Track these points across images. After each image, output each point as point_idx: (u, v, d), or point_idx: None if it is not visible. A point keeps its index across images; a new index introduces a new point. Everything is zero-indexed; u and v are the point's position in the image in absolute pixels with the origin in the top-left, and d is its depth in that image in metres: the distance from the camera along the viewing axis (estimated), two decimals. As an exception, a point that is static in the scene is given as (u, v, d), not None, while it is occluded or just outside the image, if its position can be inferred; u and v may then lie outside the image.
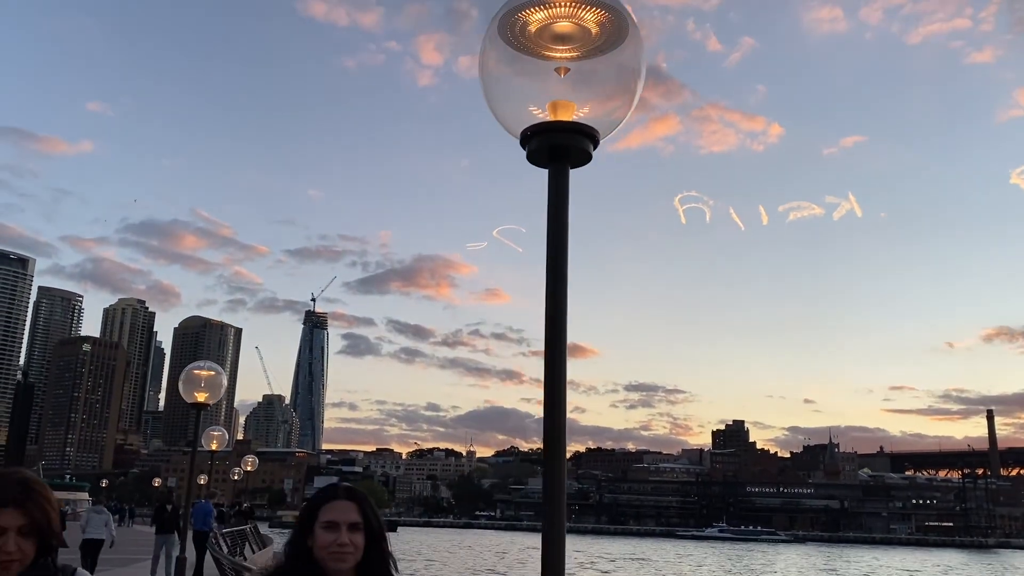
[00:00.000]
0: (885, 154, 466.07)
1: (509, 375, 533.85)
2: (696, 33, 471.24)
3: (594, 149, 3.35)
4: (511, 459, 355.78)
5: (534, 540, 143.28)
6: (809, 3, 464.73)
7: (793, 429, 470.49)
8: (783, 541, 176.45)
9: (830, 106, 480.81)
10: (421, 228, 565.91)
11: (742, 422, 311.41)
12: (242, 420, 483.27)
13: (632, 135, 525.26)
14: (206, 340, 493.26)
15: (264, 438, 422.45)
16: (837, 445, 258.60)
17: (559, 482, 2.97)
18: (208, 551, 21.41)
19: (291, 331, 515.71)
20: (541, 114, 3.28)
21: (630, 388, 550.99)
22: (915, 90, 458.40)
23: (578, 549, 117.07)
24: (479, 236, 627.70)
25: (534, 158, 3.35)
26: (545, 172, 2.87)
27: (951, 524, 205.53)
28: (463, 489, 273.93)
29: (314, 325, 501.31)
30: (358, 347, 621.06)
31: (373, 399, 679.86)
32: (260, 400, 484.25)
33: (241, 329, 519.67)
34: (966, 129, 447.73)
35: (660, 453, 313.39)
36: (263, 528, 49.52)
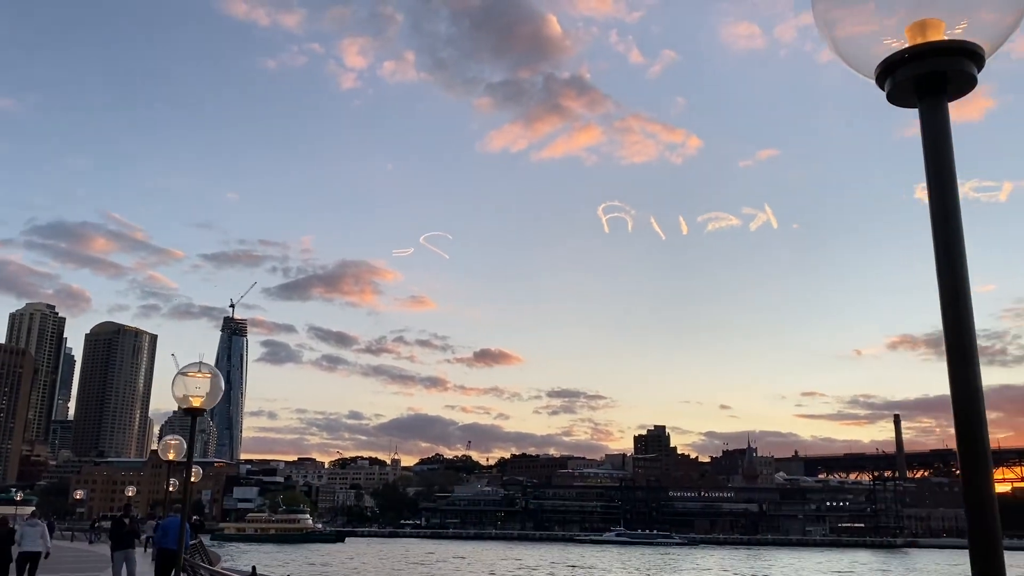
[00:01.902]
0: (798, 167, 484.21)
1: (434, 382, 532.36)
2: (619, 45, 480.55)
3: (978, 72, 2.70)
4: (436, 467, 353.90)
5: (466, 548, 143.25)
6: (727, 19, 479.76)
7: (710, 434, 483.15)
8: (678, 544, 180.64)
9: (746, 120, 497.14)
10: (345, 233, 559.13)
11: (663, 427, 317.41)
12: (156, 430, 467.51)
13: (556, 144, 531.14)
14: (119, 347, 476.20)
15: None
16: (755, 450, 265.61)
17: (985, 481, 2.50)
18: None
19: (208, 338, 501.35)
20: (898, 44, 2.72)
21: (553, 394, 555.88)
22: (826, 106, 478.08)
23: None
24: (405, 242, 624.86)
25: (898, 95, 2.79)
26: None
27: (862, 525, 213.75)
28: (387, 498, 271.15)
29: (232, 332, 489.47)
30: (278, 354, 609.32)
31: (293, 408, 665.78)
32: (176, 409, 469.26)
33: (156, 336, 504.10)
34: (873, 145, 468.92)
35: (584, 458, 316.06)
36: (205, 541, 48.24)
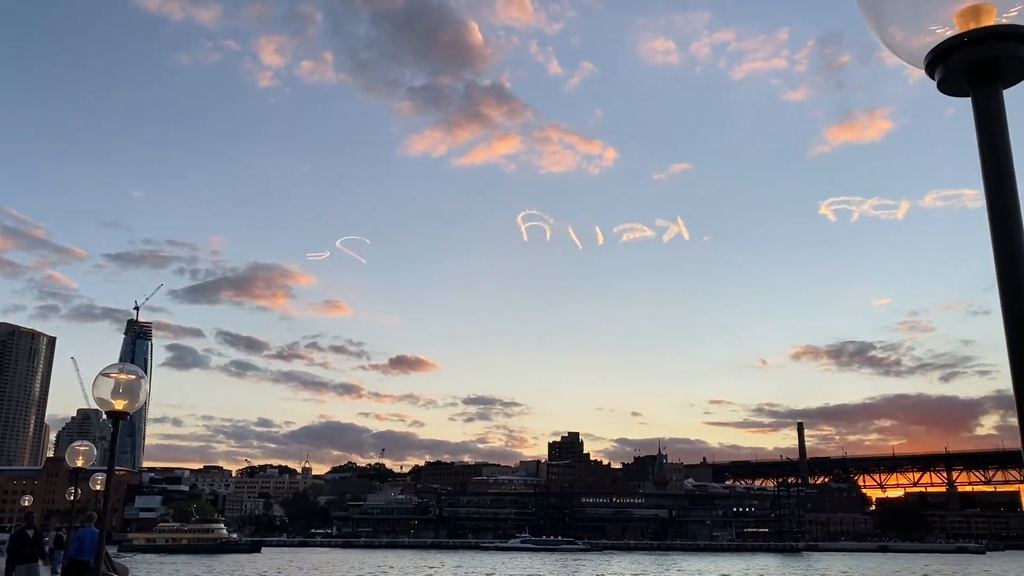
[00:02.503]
0: (710, 181, 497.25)
1: (347, 389, 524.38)
2: (539, 55, 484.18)
3: None
4: (348, 475, 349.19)
5: (377, 558, 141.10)
6: (645, 34, 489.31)
7: (622, 441, 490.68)
8: (581, 550, 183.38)
9: (661, 134, 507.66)
10: (257, 235, 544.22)
11: (576, 434, 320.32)
12: (53, 436, 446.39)
13: (476, 151, 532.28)
14: (15, 349, 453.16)
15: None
16: (665, 456, 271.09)
17: None
18: None
19: (111, 341, 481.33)
20: (948, 31, 2.65)
21: (468, 401, 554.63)
22: (738, 122, 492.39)
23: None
24: (321, 246, 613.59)
25: (950, 84, 2.70)
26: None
27: (767, 530, 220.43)
28: (298, 507, 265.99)
29: (136, 335, 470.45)
30: (184, 359, 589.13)
31: (199, 414, 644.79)
32: (74, 415, 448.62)
33: (55, 338, 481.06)
34: (782, 161, 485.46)
35: (498, 465, 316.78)
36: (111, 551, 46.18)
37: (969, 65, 2.61)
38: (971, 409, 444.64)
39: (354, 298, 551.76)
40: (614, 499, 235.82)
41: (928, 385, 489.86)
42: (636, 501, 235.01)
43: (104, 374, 11.19)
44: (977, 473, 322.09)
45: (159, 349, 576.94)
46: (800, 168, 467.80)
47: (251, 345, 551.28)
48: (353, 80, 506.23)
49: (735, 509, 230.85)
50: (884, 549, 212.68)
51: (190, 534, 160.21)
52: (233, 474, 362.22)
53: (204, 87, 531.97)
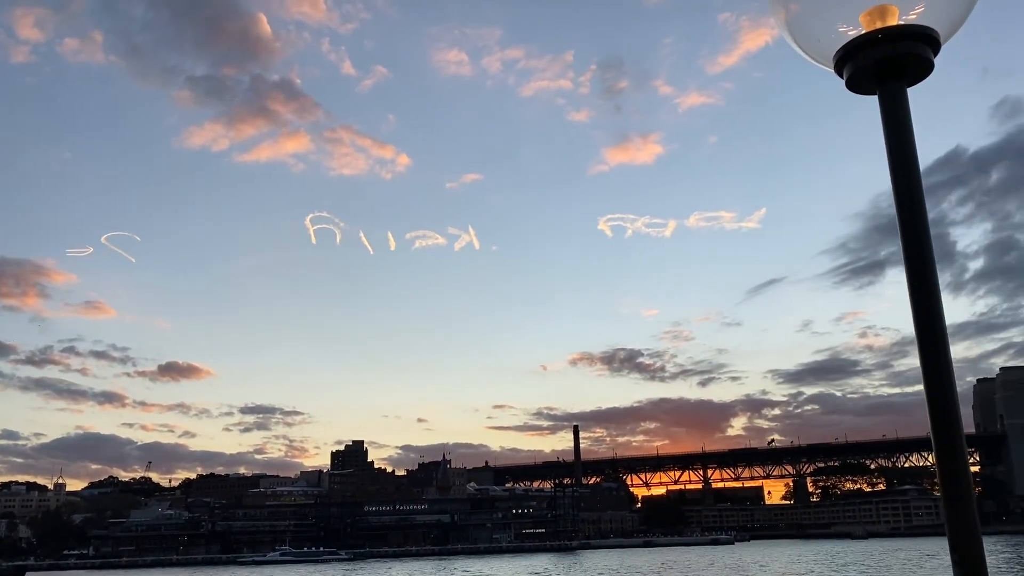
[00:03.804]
0: (500, 193, 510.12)
1: (109, 398, 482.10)
2: (331, 54, 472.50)
3: (935, 57, 2.77)
4: (109, 490, 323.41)
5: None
6: (439, 44, 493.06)
7: (407, 447, 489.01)
8: (343, 560, 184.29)
9: (453, 143, 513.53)
10: (6, 226, 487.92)
11: (361, 442, 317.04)
12: None
13: (262, 148, 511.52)
14: None
15: None
16: (449, 461, 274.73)
17: (961, 471, 2.41)
18: None
19: None
20: (854, 31, 2.78)
21: (246, 410, 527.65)
22: (526, 137, 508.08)
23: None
24: (83, 241, 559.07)
25: (858, 82, 2.80)
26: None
27: (543, 530, 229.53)
28: (48, 526, 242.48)
29: None
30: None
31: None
32: None
33: None
34: (565, 177, 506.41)
35: (278, 476, 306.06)
36: None
37: (877, 63, 2.72)
38: (723, 411, 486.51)
39: (120, 299, 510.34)
40: (397, 506, 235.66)
41: (688, 389, 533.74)
42: (419, 507, 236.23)
43: None
44: (728, 471, 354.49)
45: None
46: (581, 185, 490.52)
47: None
48: (126, 64, 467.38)
49: (514, 511, 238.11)
50: (648, 544, 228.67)
51: None
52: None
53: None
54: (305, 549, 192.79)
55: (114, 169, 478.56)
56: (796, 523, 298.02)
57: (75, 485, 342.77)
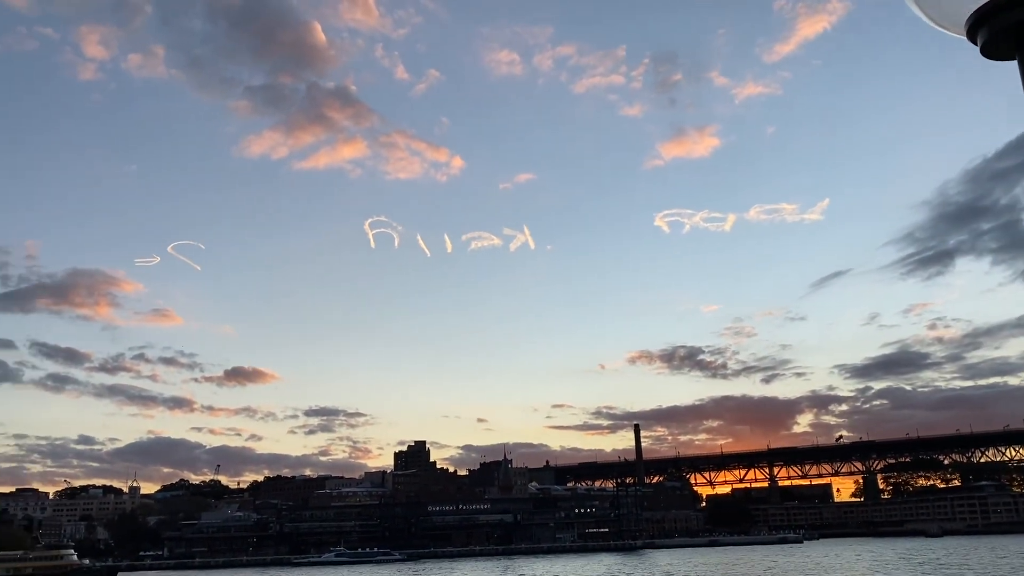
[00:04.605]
0: (554, 191, 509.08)
1: (178, 403, 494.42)
2: (385, 60, 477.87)
3: None
4: (180, 493, 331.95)
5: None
6: (490, 45, 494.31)
7: (468, 447, 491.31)
8: (398, 560, 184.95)
9: (507, 143, 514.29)
10: (78, 238, 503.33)
11: (423, 442, 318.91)
12: None
13: (319, 155, 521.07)
14: None
15: None
16: (510, 461, 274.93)
17: None
18: None
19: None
20: None
21: (310, 413, 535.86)
22: (579, 134, 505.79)
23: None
24: (150, 251, 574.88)
25: (994, 47, 2.57)
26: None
27: (607, 530, 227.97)
28: (124, 528, 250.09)
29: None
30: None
31: (10, 433, 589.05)
32: None
33: None
34: (620, 174, 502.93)
35: (342, 477, 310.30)
36: None
37: (1017, 25, 2.48)
38: (789, 408, 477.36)
39: (186, 306, 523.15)
40: (460, 506, 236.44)
41: (751, 386, 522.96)
42: (482, 507, 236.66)
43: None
44: (795, 468, 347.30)
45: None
46: (636, 181, 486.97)
47: (71, 357, 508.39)
48: (186, 76, 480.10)
49: (577, 510, 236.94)
50: (714, 543, 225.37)
51: (35, 563, 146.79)
52: (51, 496, 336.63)
53: (16, 77, 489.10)
54: (359, 550, 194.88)
55: (178, 180, 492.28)
56: (867, 520, 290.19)
57: (148, 488, 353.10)
